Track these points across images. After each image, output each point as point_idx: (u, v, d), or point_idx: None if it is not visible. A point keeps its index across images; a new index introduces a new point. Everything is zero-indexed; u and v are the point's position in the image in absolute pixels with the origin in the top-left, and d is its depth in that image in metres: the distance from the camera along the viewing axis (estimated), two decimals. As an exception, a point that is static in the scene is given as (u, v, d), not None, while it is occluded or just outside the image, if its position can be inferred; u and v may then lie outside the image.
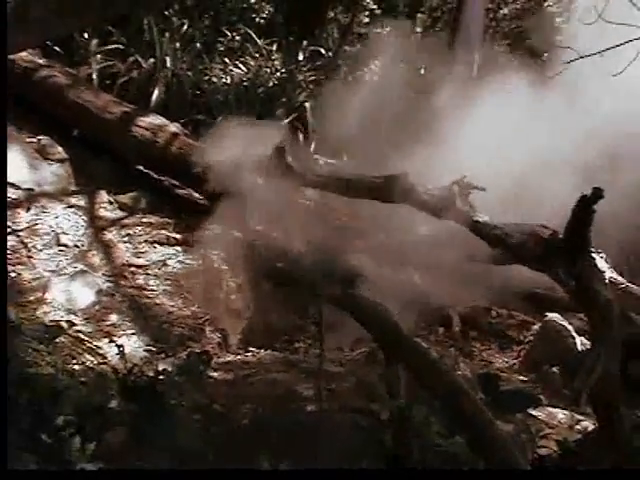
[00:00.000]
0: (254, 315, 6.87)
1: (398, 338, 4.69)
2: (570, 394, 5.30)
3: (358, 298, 4.90)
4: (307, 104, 8.45)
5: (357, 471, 4.23)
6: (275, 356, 6.33)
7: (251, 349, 6.46)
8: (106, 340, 5.99)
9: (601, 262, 6.08)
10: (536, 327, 6.59)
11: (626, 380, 4.70)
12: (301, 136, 8.18)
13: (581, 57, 4.66)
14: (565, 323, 6.52)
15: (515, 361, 6.52)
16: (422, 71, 8.41)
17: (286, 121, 8.14)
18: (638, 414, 5.28)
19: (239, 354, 6.39)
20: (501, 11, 10.36)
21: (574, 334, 6.45)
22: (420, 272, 6.77)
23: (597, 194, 4.25)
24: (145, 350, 5.98)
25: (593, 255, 5.44)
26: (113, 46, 8.76)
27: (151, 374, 4.96)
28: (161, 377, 4.94)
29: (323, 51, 9.43)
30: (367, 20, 9.72)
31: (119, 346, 5.42)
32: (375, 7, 9.28)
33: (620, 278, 6.71)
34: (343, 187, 5.84)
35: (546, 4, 9.42)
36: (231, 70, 9.03)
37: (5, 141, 4.74)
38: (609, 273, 6.43)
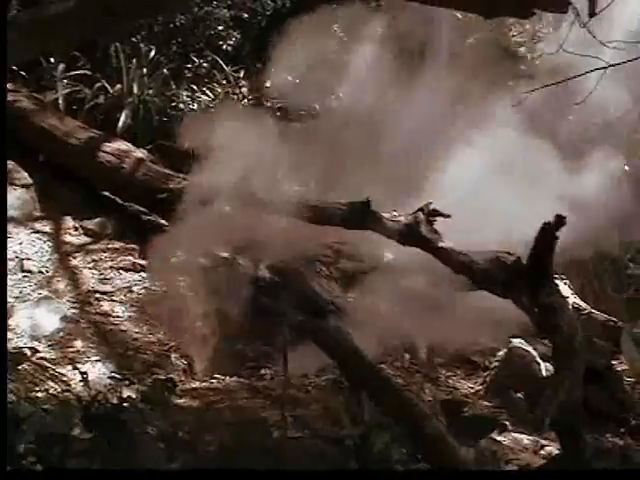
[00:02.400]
0: (220, 341, 6.85)
1: (361, 365, 4.70)
2: (534, 419, 5.34)
3: (321, 325, 4.92)
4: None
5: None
6: (241, 383, 6.31)
7: (217, 376, 6.43)
8: (70, 367, 5.94)
9: (564, 288, 6.18)
10: (501, 353, 6.62)
11: (585, 406, 4.74)
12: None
13: (544, 86, 4.74)
14: (530, 349, 6.56)
15: (480, 387, 6.55)
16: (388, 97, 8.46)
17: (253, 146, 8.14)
18: (598, 438, 5.33)
19: (204, 381, 6.36)
20: (467, 40, 10.49)
21: (539, 360, 6.50)
22: (385, 299, 6.79)
23: (559, 221, 4.31)
24: (109, 377, 5.93)
25: (556, 281, 5.51)
26: (80, 71, 8.74)
27: (115, 401, 4.92)
28: (125, 405, 4.90)
29: (290, 78, 9.46)
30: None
31: (83, 373, 5.38)
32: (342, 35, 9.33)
33: (583, 304, 6.81)
34: (309, 214, 5.87)
35: (510, 34, 9.56)
36: (198, 97, 9.04)
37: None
38: (572, 299, 6.55)
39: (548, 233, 4.38)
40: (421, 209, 5.50)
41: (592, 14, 4.38)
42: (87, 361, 6.07)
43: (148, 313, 6.77)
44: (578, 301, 6.64)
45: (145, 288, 7.03)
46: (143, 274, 7.20)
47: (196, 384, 6.26)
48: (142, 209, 7.73)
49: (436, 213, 5.48)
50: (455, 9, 4.71)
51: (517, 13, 4.50)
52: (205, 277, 6.93)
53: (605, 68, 4.72)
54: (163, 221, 7.50)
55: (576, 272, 7.97)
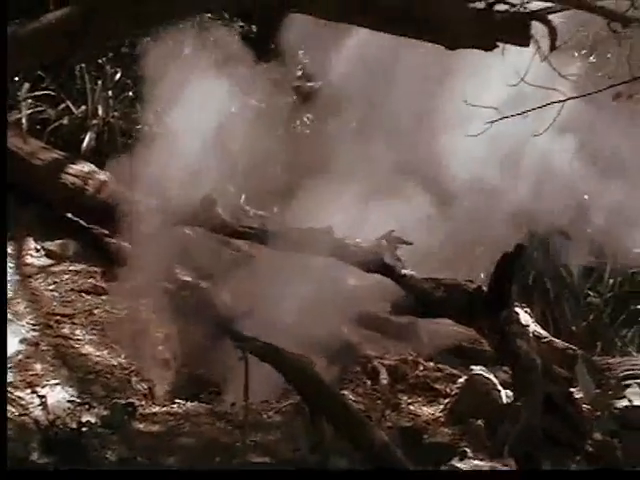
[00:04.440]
0: (181, 365, 6.82)
1: (320, 391, 4.71)
2: (494, 446, 5.37)
3: (280, 350, 4.92)
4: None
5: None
6: (202, 407, 6.29)
7: (178, 400, 6.40)
8: (29, 390, 5.87)
9: (525, 316, 6.25)
10: (462, 380, 6.65)
11: (544, 433, 4.79)
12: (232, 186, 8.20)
13: (504, 117, 4.81)
14: (490, 376, 6.59)
15: (441, 414, 6.57)
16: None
17: (217, 172, 8.15)
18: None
19: (165, 405, 6.32)
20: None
21: (499, 387, 6.53)
22: (348, 324, 6.82)
23: (519, 250, 4.37)
24: (69, 401, 5.88)
25: (517, 309, 5.58)
26: (44, 92, 8.70)
27: (74, 426, 4.88)
28: (84, 429, 4.87)
29: (255, 102, 9.49)
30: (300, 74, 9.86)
31: (42, 397, 5.33)
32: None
33: (544, 332, 6.88)
34: (272, 239, 5.89)
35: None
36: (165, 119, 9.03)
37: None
38: (533, 327, 6.61)
39: (508, 261, 4.44)
40: (384, 236, 5.54)
41: (553, 48, 4.47)
42: (46, 385, 6.01)
43: (109, 336, 6.73)
44: (538, 329, 6.70)
45: (107, 311, 6.99)
46: (105, 297, 7.16)
47: (157, 409, 6.22)
48: (105, 231, 7.69)
49: (399, 240, 5.53)
50: (419, 40, 4.76)
51: (480, 45, 4.57)
52: (168, 300, 6.91)
53: (564, 100, 4.80)
54: (126, 244, 7.47)
55: (536, 300, 8.07)
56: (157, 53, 7.71)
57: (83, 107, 8.70)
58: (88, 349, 6.56)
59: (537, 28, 4.61)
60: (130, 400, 6.00)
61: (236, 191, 7.70)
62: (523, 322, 5.60)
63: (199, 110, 7.24)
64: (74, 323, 6.78)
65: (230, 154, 7.40)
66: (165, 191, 6.88)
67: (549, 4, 4.51)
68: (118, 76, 9.09)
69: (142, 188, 7.09)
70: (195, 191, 6.84)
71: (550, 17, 4.49)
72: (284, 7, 4.81)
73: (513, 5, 4.44)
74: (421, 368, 6.93)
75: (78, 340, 6.62)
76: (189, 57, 8.01)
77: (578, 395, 6.19)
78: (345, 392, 6.32)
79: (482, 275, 6.37)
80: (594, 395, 5.53)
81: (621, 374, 7.02)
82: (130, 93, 9.00)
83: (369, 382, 6.77)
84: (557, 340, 6.73)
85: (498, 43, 4.60)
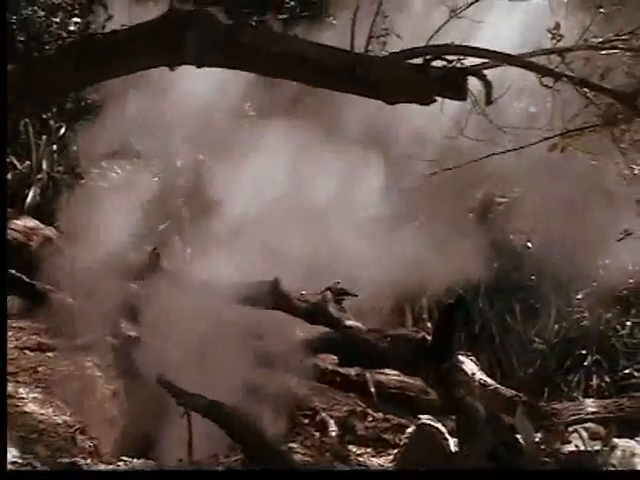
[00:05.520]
0: (128, 422, 6.74)
1: (263, 447, 4.69)
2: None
3: (223, 407, 4.89)
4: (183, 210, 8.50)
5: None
6: (148, 465, 6.20)
7: (124, 458, 6.31)
8: (-31, 452, 5.74)
9: (470, 365, 6.30)
10: (410, 430, 6.66)
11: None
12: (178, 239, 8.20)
13: (443, 170, 4.91)
14: (438, 425, 6.62)
15: (390, 464, 6.57)
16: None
17: (163, 226, 8.15)
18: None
19: (111, 463, 6.23)
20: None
21: (447, 436, 6.55)
22: (294, 376, 6.81)
23: (459, 301, 4.43)
24: (11, 463, 5.75)
25: (462, 358, 5.63)
26: (-13, 147, 8.64)
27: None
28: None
29: (201, 157, 9.53)
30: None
31: (-17, 458, 5.21)
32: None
33: (490, 380, 6.93)
34: (218, 292, 5.89)
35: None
36: (109, 174, 9.02)
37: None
38: (479, 375, 6.66)
39: (450, 312, 4.50)
40: (329, 288, 5.58)
41: (489, 102, 4.58)
42: (-12, 445, 5.89)
43: (54, 394, 6.62)
44: (484, 377, 6.75)
45: (52, 368, 6.89)
46: (50, 354, 7.07)
47: (102, 467, 6.12)
48: (49, 287, 7.61)
49: (343, 292, 5.57)
50: (361, 96, 4.84)
51: (418, 100, 4.67)
52: (113, 356, 6.85)
53: (503, 152, 4.91)
54: (71, 300, 7.40)
55: (483, 347, 8.15)
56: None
57: (27, 162, 8.67)
58: (32, 407, 6.45)
59: (474, 82, 4.73)
60: (75, 459, 5.90)
61: (182, 245, 7.71)
62: (468, 370, 5.65)
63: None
64: (17, 381, 6.67)
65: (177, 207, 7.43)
66: (110, 245, 6.85)
67: (484, 60, 4.63)
68: (63, 131, 9.09)
69: (86, 243, 7.05)
70: (141, 245, 6.83)
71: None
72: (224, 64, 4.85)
73: (449, 61, 4.54)
74: (370, 419, 6.93)
75: (21, 398, 6.50)
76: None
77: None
78: (293, 444, 6.29)
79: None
80: (533, 441, 5.57)
81: (568, 419, 7.10)
82: (74, 148, 9.00)
83: (318, 434, 6.76)
84: (502, 387, 6.78)
85: (436, 97, 4.70)
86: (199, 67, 4.64)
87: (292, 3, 10.12)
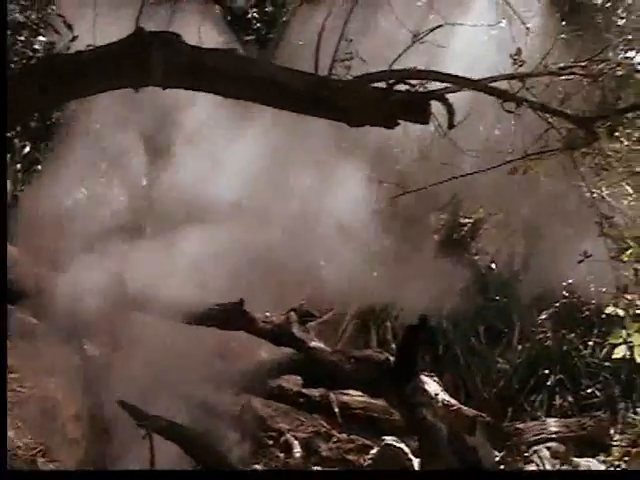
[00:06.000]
0: (90, 444, 6.68)
1: (225, 468, 4.68)
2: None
3: (185, 429, 4.88)
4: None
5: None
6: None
7: (86, 481, 6.24)
8: None
9: (434, 385, 6.33)
10: (374, 451, 6.68)
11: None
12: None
13: (406, 192, 4.95)
14: (402, 445, 6.64)
15: (355, 485, 6.56)
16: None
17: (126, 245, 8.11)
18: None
19: (73, 486, 6.16)
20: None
21: (411, 456, 6.58)
22: (260, 397, 6.80)
23: (422, 323, 4.46)
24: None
25: (425, 379, 5.66)
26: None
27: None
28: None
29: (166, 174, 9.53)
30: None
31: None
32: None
33: (453, 400, 6.96)
34: (182, 313, 5.87)
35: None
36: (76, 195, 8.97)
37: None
38: (442, 396, 6.70)
39: (412, 333, 4.52)
40: (293, 309, 5.59)
41: (451, 126, 4.62)
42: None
43: (15, 416, 6.55)
44: (447, 397, 6.78)
45: (13, 390, 6.82)
46: (12, 375, 6.99)
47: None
48: (11, 307, 7.54)
49: (308, 313, 5.59)
50: (323, 118, 4.87)
51: (382, 123, 4.70)
52: (76, 377, 6.79)
53: (464, 175, 4.97)
54: (33, 319, 7.34)
55: (448, 368, 8.18)
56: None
57: (-10, 181, 8.60)
58: (-8, 429, 6.37)
59: (437, 106, 4.79)
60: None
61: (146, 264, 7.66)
62: (431, 391, 5.68)
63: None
64: (-22, 403, 6.59)
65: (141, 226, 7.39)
66: (72, 264, 6.82)
67: (447, 84, 4.68)
68: (27, 150, 9.04)
69: (49, 264, 7.01)
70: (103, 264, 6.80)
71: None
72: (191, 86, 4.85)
73: (412, 85, 4.59)
74: (334, 440, 6.94)
75: (-18, 420, 6.43)
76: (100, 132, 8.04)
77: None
78: (258, 466, 6.28)
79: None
80: (493, 461, 5.61)
81: (531, 439, 7.16)
82: (39, 167, 8.95)
83: (282, 455, 6.75)
84: (465, 408, 6.81)
85: (400, 121, 4.74)
86: (164, 89, 4.64)
87: (259, 25, 10.19)
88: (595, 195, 5.36)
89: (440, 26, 4.86)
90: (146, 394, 6.37)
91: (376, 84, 4.64)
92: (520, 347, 8.85)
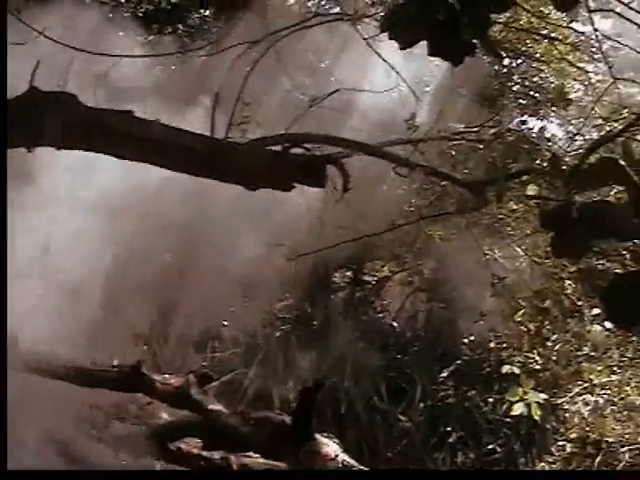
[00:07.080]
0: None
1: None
2: None
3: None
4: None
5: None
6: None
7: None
8: None
9: (334, 446, 6.31)
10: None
11: None
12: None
13: (301, 255, 4.99)
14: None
15: None
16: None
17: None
18: None
19: None
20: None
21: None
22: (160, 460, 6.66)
23: (319, 385, 4.47)
24: None
25: (324, 440, 5.64)
26: None
27: None
28: None
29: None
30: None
31: None
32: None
33: (352, 461, 6.95)
34: (79, 377, 5.76)
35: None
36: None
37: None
38: (342, 456, 6.67)
39: (307, 395, 4.53)
40: (192, 372, 5.54)
41: (346, 189, 4.69)
42: None
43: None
44: (347, 458, 6.76)
45: None
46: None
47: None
48: None
49: (207, 376, 5.54)
50: (220, 181, 4.88)
51: (278, 186, 4.74)
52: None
53: (360, 238, 5.05)
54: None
55: (349, 428, 8.18)
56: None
57: None
58: None
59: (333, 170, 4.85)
60: None
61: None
62: (331, 452, 5.66)
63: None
64: None
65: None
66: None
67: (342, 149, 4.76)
68: None
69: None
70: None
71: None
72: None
73: (308, 149, 4.65)
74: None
75: None
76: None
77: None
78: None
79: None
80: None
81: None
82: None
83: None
84: (365, 468, 6.80)
85: (296, 184, 4.78)
86: (59, 149, 4.59)
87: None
88: (488, 256, 5.53)
89: (336, 91, 4.96)
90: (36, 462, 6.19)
91: (272, 147, 4.68)
92: (422, 405, 8.91)
